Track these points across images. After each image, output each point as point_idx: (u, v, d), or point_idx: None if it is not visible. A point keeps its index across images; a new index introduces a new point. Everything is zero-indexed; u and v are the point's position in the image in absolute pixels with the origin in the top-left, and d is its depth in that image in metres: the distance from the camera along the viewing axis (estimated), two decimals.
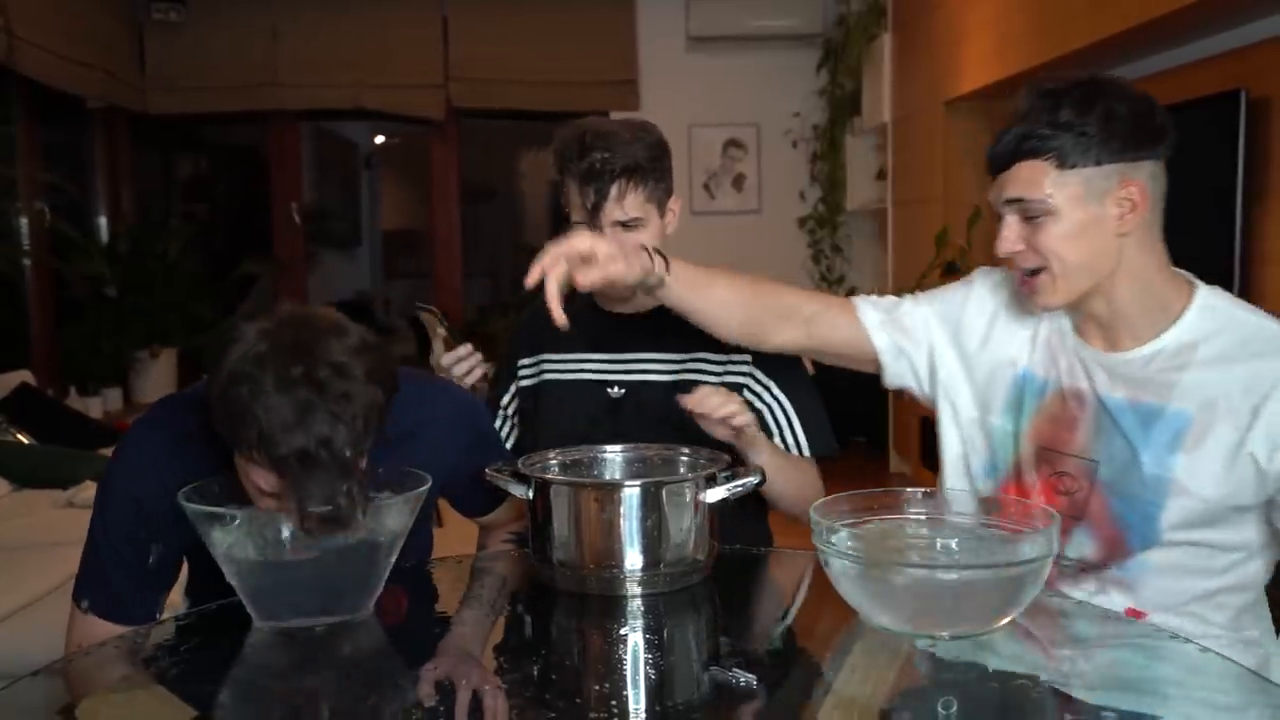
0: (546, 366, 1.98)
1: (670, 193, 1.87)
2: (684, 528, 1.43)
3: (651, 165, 1.81)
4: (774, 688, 1.22)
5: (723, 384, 1.87)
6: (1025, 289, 1.56)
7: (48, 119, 5.52)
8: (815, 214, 6.65)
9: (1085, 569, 1.55)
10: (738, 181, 6.66)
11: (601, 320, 1.96)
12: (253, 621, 1.36)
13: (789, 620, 1.50)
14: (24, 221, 5.13)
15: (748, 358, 1.90)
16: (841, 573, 1.27)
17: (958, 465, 1.70)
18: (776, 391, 1.91)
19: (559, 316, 1.51)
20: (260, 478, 1.31)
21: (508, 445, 1.99)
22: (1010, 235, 1.54)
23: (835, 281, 6.61)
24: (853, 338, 1.74)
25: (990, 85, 4.56)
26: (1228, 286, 3.27)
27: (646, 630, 1.37)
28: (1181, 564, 1.49)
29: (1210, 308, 1.51)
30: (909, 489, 1.44)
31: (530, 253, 1.56)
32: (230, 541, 1.33)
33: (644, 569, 1.42)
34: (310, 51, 6.30)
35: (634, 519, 1.41)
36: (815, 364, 1.94)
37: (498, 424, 2.02)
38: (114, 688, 1.31)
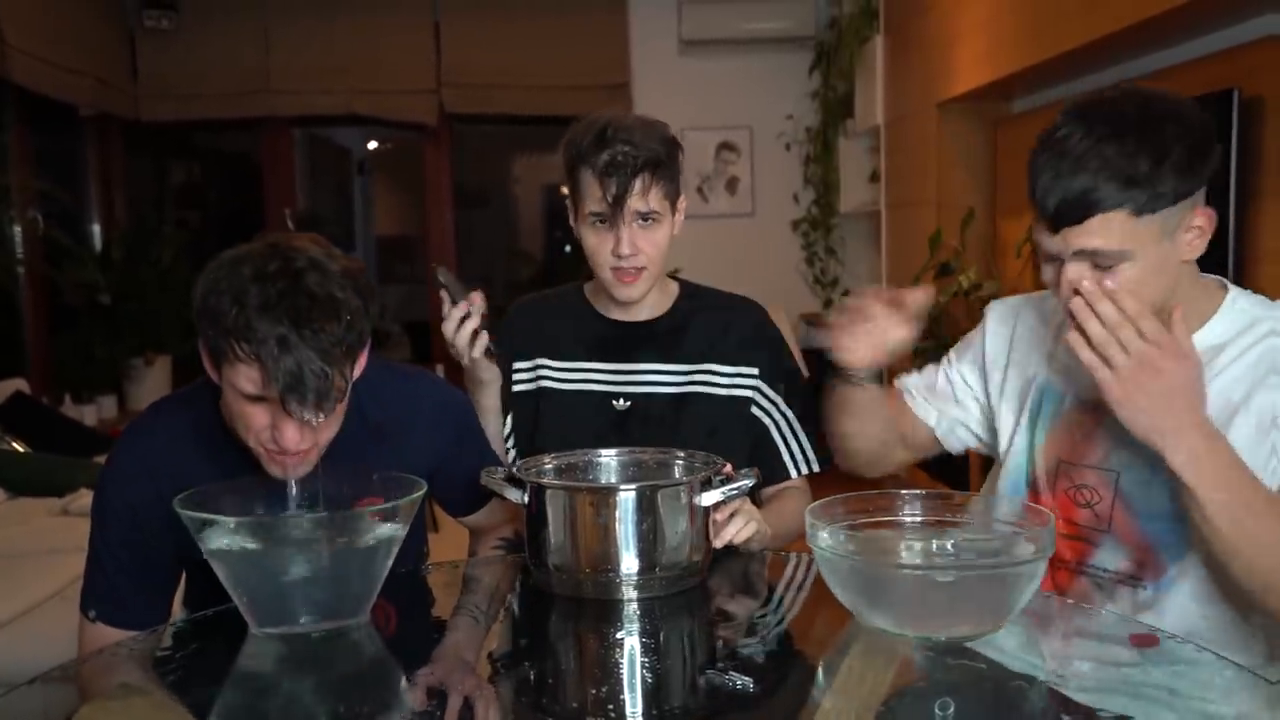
0: (544, 373, 1.93)
1: (680, 192, 1.86)
2: (680, 531, 1.43)
3: (669, 161, 1.79)
4: (770, 690, 1.22)
5: (730, 396, 1.87)
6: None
7: (40, 126, 5.51)
8: (809, 217, 6.65)
9: (1121, 581, 1.53)
10: (731, 184, 6.66)
11: (601, 326, 1.93)
12: (249, 628, 1.35)
13: (785, 622, 1.50)
14: (17, 230, 5.11)
15: (755, 370, 1.89)
16: (837, 574, 1.27)
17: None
18: (783, 406, 1.90)
19: None
20: (244, 378, 1.33)
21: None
22: (1076, 279, 1.41)
23: (829, 284, 6.62)
24: (925, 433, 1.81)
25: (983, 87, 4.57)
26: None
27: (643, 634, 1.37)
28: (1209, 591, 1.46)
29: (1239, 310, 1.49)
30: (905, 491, 1.44)
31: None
32: (226, 546, 1.33)
33: (640, 573, 1.42)
34: (303, 58, 6.29)
35: (630, 523, 1.41)
36: (811, 363, 1.95)
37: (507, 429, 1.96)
38: (111, 695, 1.30)
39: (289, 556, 1.32)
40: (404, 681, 1.27)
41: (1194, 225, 1.42)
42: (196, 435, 1.53)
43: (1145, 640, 1.33)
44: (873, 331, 1.68)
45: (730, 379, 1.88)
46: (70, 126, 5.97)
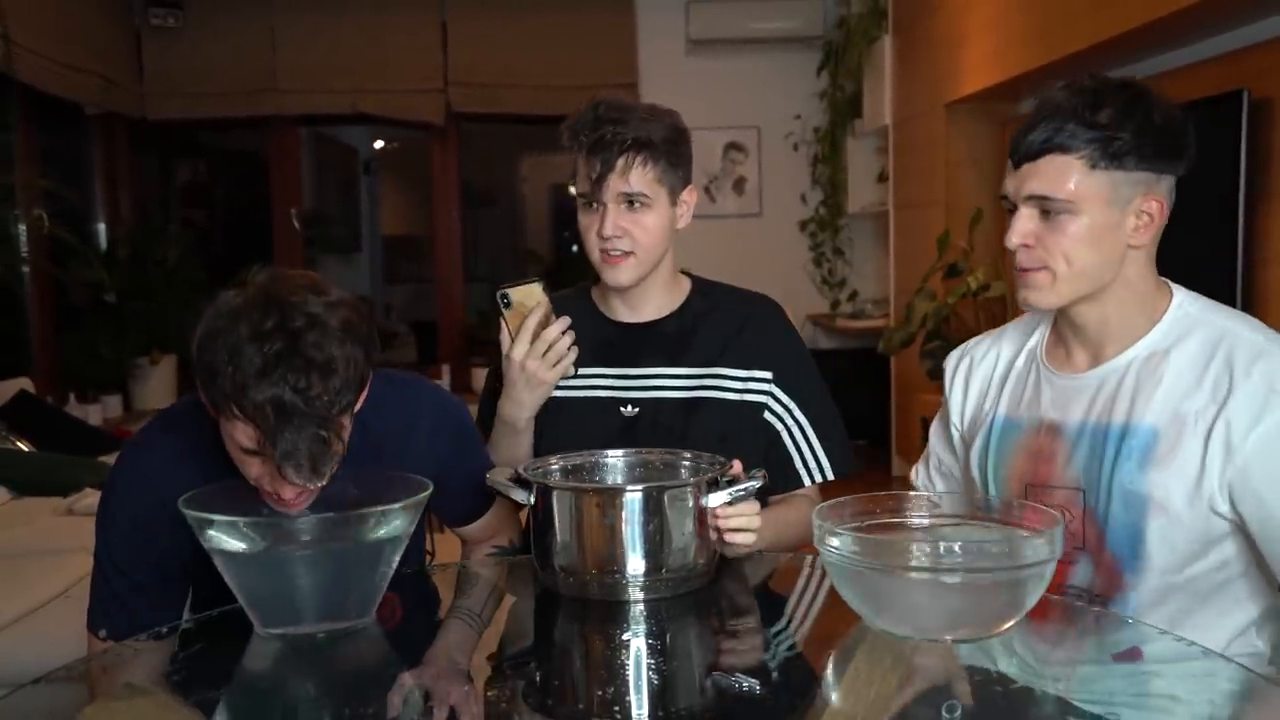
0: None
1: (686, 182, 1.81)
2: (686, 532, 1.43)
3: (665, 146, 1.75)
4: (777, 693, 1.22)
5: (742, 401, 1.82)
6: (1021, 280, 1.54)
7: (46, 125, 5.51)
8: (816, 217, 6.64)
9: (1089, 600, 1.52)
10: (739, 185, 6.65)
11: (607, 329, 1.87)
12: (254, 629, 1.35)
13: (792, 625, 1.49)
14: (23, 228, 5.11)
15: (768, 375, 1.83)
16: (844, 576, 1.27)
17: None
18: (798, 414, 1.83)
19: None
20: (241, 433, 1.31)
21: None
22: (1024, 229, 1.50)
23: (837, 284, 6.61)
24: None
25: (991, 87, 4.56)
26: (1230, 288, 3.29)
27: (649, 636, 1.36)
28: (1173, 603, 1.47)
29: (1184, 314, 1.51)
30: (912, 492, 1.43)
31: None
32: (231, 547, 1.32)
33: (646, 574, 1.41)
34: (309, 56, 6.30)
35: (636, 524, 1.40)
36: (819, 364, 1.91)
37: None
38: (115, 695, 1.30)
39: (294, 557, 1.32)
40: (404, 681, 1.27)
41: (1145, 210, 1.46)
42: (196, 454, 1.50)
43: (1130, 655, 1.33)
44: None
45: (742, 383, 1.83)
46: (76, 125, 5.98)
